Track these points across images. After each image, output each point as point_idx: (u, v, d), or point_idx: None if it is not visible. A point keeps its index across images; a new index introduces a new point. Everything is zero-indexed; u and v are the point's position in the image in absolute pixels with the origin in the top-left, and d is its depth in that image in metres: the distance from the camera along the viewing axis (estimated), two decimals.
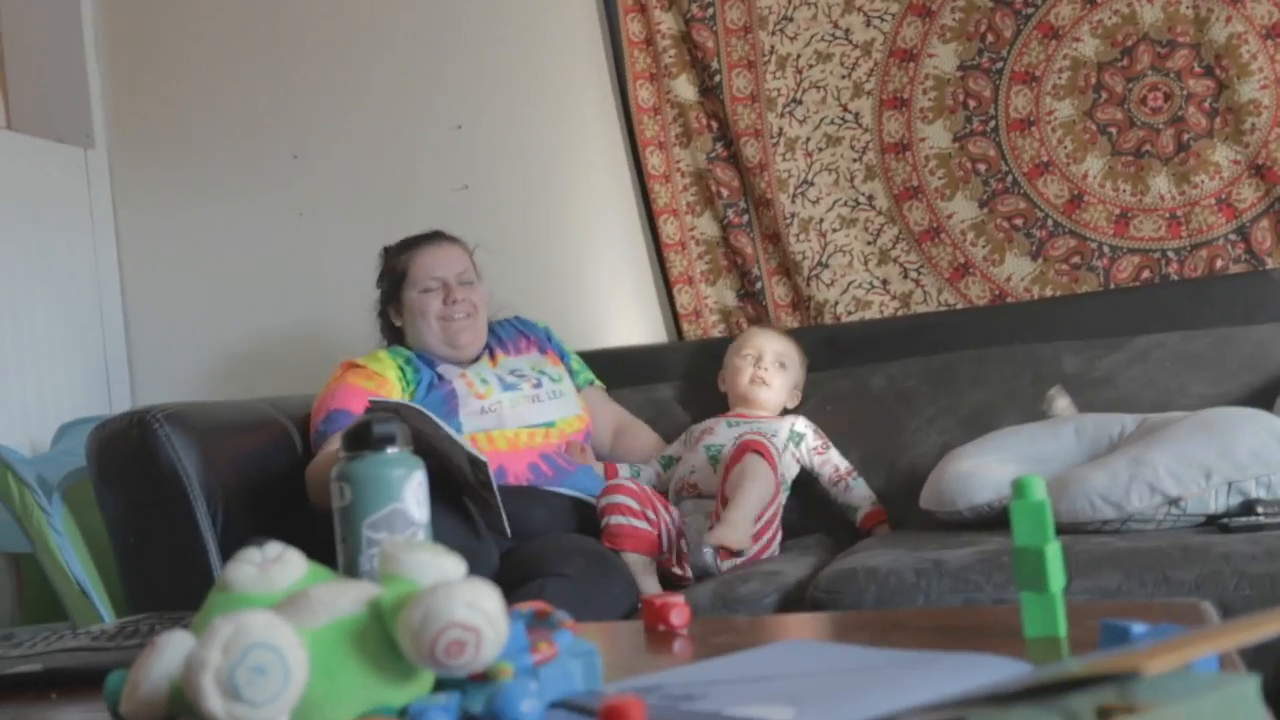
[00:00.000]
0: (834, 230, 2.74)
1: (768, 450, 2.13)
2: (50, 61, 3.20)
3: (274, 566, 0.93)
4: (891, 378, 2.49)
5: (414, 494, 1.11)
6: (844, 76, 2.74)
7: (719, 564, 2.06)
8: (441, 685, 0.90)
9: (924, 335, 2.57)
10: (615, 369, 2.59)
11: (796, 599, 1.87)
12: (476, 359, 2.43)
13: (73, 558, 2.35)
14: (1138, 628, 0.89)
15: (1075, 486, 1.92)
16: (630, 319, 2.88)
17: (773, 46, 2.76)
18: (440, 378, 2.37)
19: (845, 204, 2.74)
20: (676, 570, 2.09)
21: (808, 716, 0.80)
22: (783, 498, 2.24)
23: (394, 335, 2.52)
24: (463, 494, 1.99)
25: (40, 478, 2.39)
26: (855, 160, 2.74)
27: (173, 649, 0.90)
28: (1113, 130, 2.59)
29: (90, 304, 3.12)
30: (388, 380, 2.34)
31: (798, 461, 2.38)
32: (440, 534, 1.13)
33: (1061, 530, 1.68)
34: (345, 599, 0.88)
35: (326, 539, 1.15)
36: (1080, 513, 1.90)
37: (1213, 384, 2.29)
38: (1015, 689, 0.69)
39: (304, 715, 0.83)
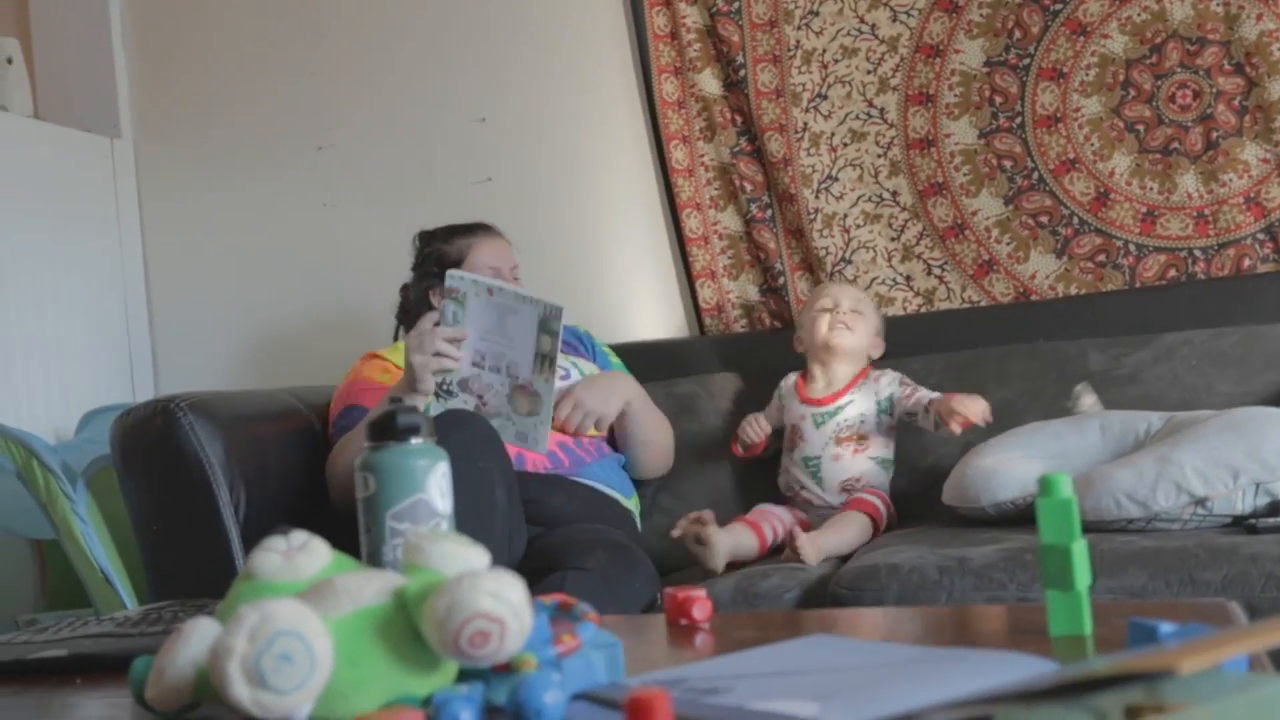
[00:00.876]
0: (858, 226, 2.73)
1: (877, 511, 2.22)
2: (77, 52, 3.22)
3: (299, 555, 0.94)
4: (914, 374, 2.48)
5: (437, 485, 1.11)
6: (869, 71, 2.73)
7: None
8: (465, 676, 0.90)
9: (947, 332, 2.56)
10: (636, 363, 2.58)
11: (819, 595, 1.86)
12: None
13: (96, 545, 2.36)
14: (1166, 627, 0.88)
15: (1101, 484, 1.90)
16: (652, 313, 2.88)
17: (798, 41, 2.75)
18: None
19: (869, 200, 2.73)
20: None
21: (832, 712, 0.79)
22: (885, 478, 2.33)
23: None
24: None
25: (65, 465, 2.40)
26: (880, 156, 2.73)
27: (198, 636, 0.91)
28: (1140, 128, 2.57)
29: (115, 293, 3.14)
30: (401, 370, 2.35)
31: (892, 427, 2.34)
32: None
33: (1086, 528, 1.67)
34: (370, 588, 0.88)
35: (349, 529, 1.15)
36: (1105, 511, 1.88)
37: (1239, 382, 2.28)
38: (1042, 687, 0.69)
39: (328, 703, 0.83)
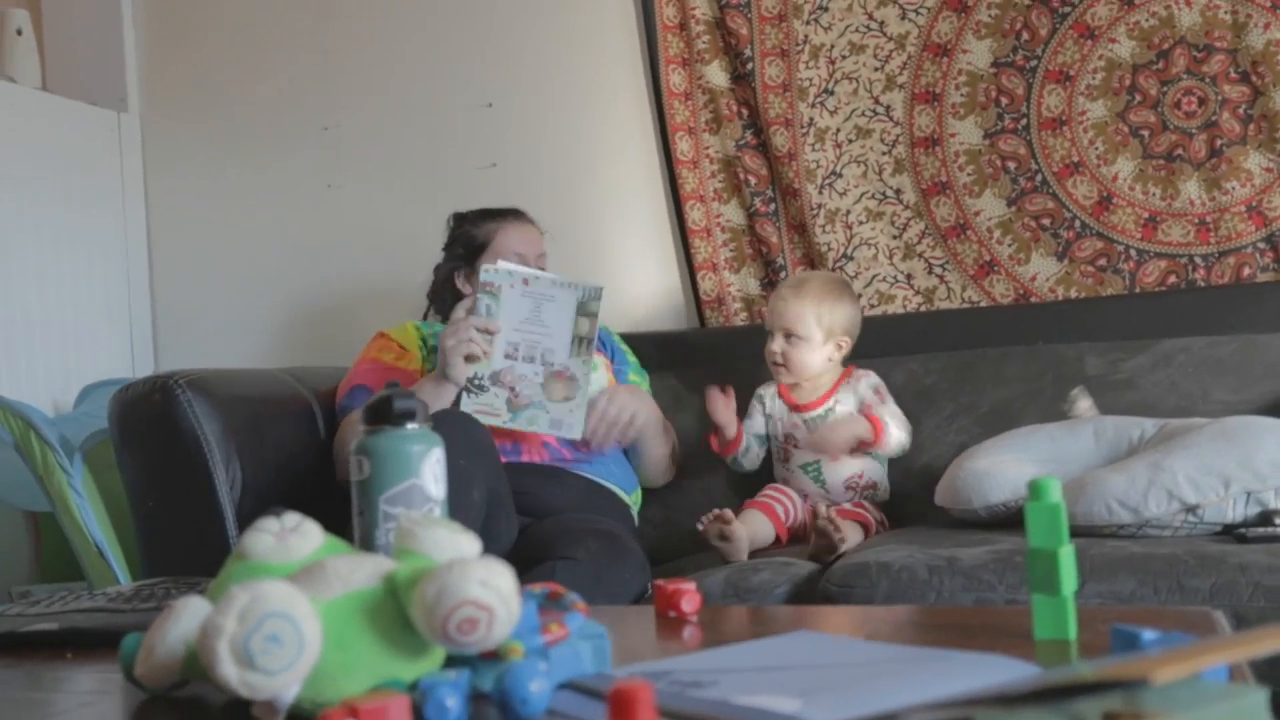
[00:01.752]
0: (860, 223, 2.73)
1: (869, 521, 2.23)
2: (87, 25, 3.22)
3: (292, 537, 0.95)
4: (912, 373, 2.49)
5: (432, 470, 1.12)
6: (877, 69, 2.73)
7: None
8: (452, 661, 0.91)
9: (946, 331, 2.56)
10: (636, 354, 2.59)
11: (808, 591, 1.87)
12: None
13: (91, 519, 2.37)
14: (1148, 634, 0.89)
15: (1093, 489, 1.91)
16: (653, 304, 2.88)
17: (806, 36, 2.75)
18: None
19: (873, 197, 2.73)
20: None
21: (814, 708, 0.80)
22: (883, 472, 2.35)
23: (455, 301, 2.51)
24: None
25: (63, 438, 2.41)
26: (885, 153, 2.73)
27: (189, 614, 0.91)
28: (1145, 133, 2.58)
29: (118, 267, 3.14)
30: (409, 351, 2.36)
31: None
32: None
33: (1077, 532, 1.68)
34: (361, 572, 0.89)
35: (343, 511, 1.16)
36: (1097, 515, 1.89)
37: (1235, 391, 2.28)
38: (1023, 690, 0.69)
39: (316, 685, 0.84)
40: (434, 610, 0.83)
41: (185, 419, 2.04)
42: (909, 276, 2.71)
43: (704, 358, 2.65)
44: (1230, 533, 1.86)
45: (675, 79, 2.83)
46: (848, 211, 2.73)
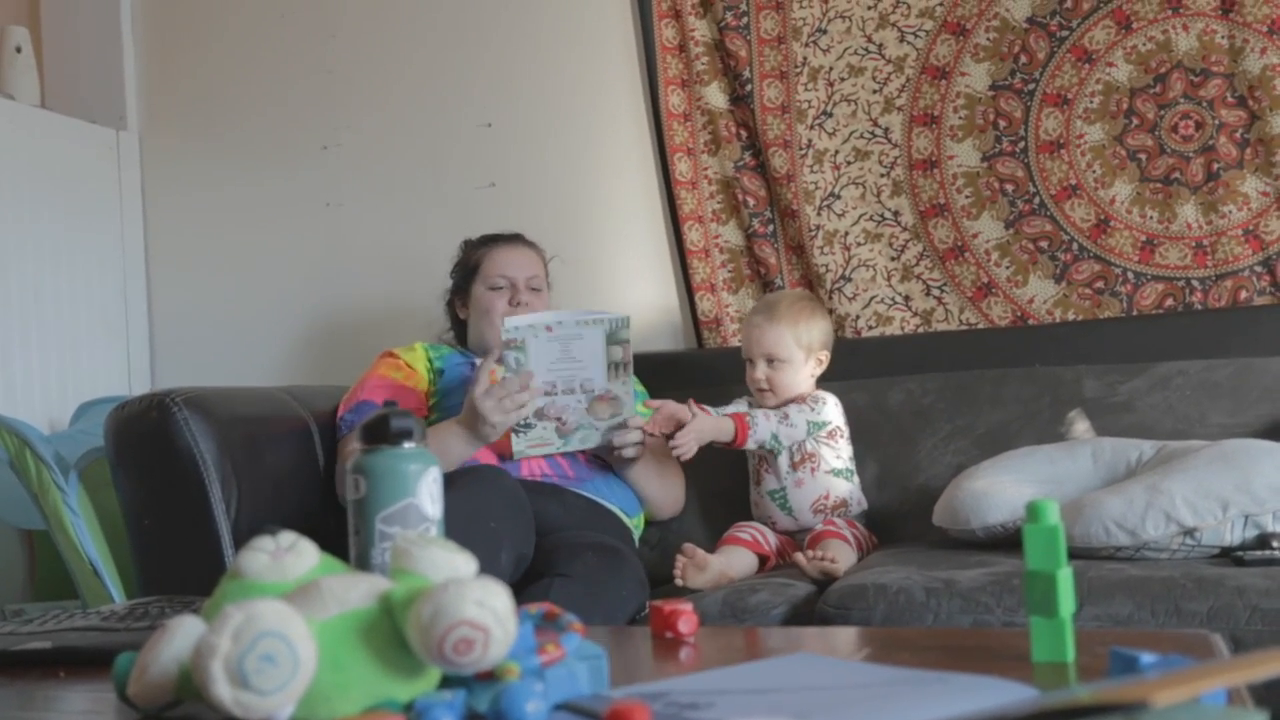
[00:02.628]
0: (858, 244, 2.74)
1: (845, 537, 2.20)
2: (86, 42, 3.23)
3: (287, 556, 0.94)
4: (909, 393, 2.49)
5: (428, 489, 1.12)
6: (875, 91, 2.74)
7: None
8: (447, 682, 0.91)
9: (944, 353, 2.57)
10: (634, 375, 2.58)
11: (805, 612, 1.87)
12: None
13: (86, 537, 2.36)
14: (1146, 657, 0.88)
15: (1090, 511, 1.91)
16: (651, 324, 2.88)
17: (805, 58, 2.76)
18: (474, 367, 2.38)
19: (871, 218, 2.74)
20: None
21: None
22: (851, 486, 2.33)
23: (458, 328, 2.54)
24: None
25: (58, 455, 2.40)
26: (883, 175, 2.73)
27: (183, 634, 0.91)
28: (1142, 156, 2.58)
29: (115, 284, 3.14)
30: (416, 372, 2.37)
31: (831, 434, 2.31)
32: None
33: (1074, 554, 1.69)
34: (356, 591, 0.89)
35: (339, 530, 1.16)
36: (1094, 537, 1.89)
37: (1232, 414, 2.28)
38: (1020, 713, 0.69)
39: (310, 706, 0.84)
40: (429, 630, 0.83)
41: (182, 437, 2.04)
42: (907, 298, 2.72)
43: (701, 378, 2.64)
44: (1228, 556, 1.86)
45: (674, 100, 2.83)
46: (846, 233, 2.74)
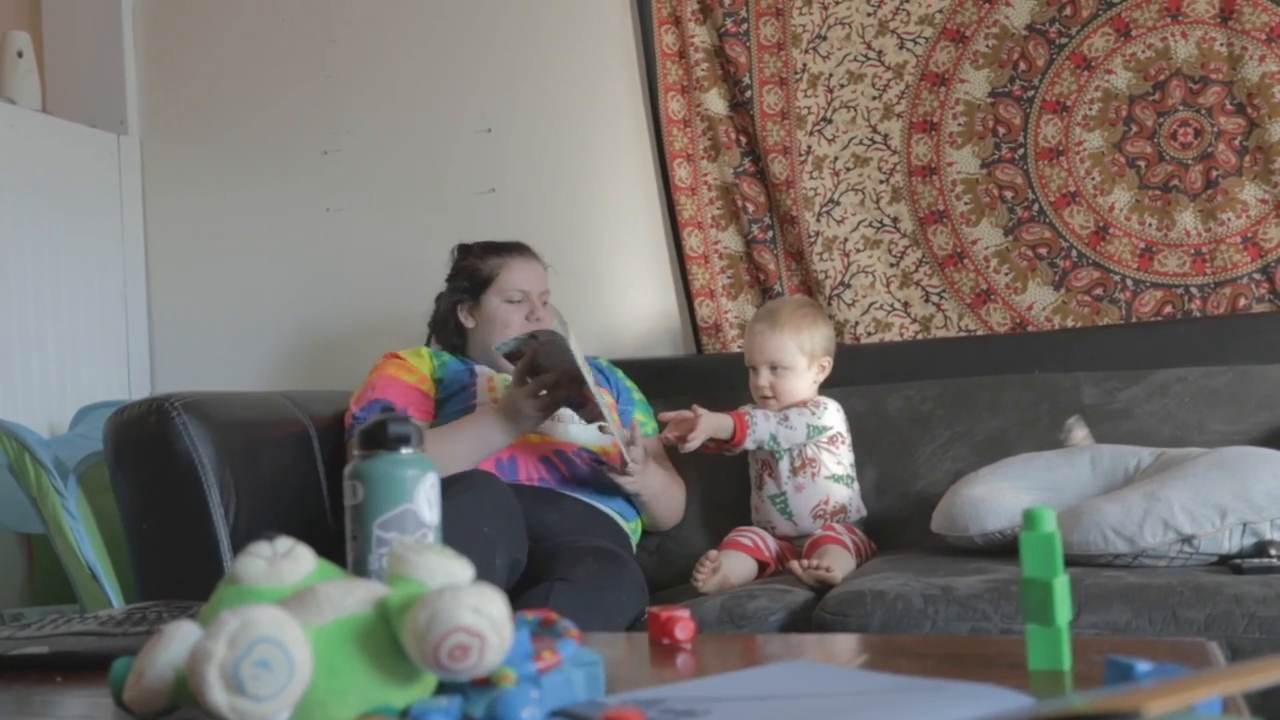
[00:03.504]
0: (857, 251, 2.74)
1: (845, 543, 2.20)
2: (87, 47, 3.23)
3: (284, 561, 0.94)
4: (908, 400, 2.49)
5: (426, 495, 1.12)
6: (875, 98, 2.74)
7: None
8: (443, 688, 0.91)
9: (943, 359, 2.57)
10: (633, 380, 2.59)
11: (803, 618, 1.87)
12: None
13: (85, 541, 2.36)
14: (1142, 666, 0.88)
15: (1088, 518, 1.91)
16: (650, 330, 2.88)
17: (805, 65, 2.77)
18: (473, 374, 2.38)
19: (870, 225, 2.74)
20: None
21: None
22: (850, 493, 2.33)
23: (456, 334, 2.52)
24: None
25: (57, 460, 2.40)
26: (882, 182, 2.74)
27: (179, 639, 0.91)
28: (1141, 164, 2.59)
29: (115, 289, 3.15)
30: (422, 375, 2.36)
31: (831, 440, 2.32)
32: None
33: (1072, 561, 1.68)
34: (352, 597, 0.89)
35: (336, 536, 1.16)
36: (1092, 545, 1.89)
37: (1231, 421, 2.28)
38: None
39: (306, 712, 0.84)
40: (425, 636, 0.83)
41: (181, 442, 2.04)
42: (906, 304, 2.72)
43: (700, 384, 2.64)
44: (1226, 563, 1.86)
45: (674, 106, 2.84)
46: (845, 239, 2.74)
